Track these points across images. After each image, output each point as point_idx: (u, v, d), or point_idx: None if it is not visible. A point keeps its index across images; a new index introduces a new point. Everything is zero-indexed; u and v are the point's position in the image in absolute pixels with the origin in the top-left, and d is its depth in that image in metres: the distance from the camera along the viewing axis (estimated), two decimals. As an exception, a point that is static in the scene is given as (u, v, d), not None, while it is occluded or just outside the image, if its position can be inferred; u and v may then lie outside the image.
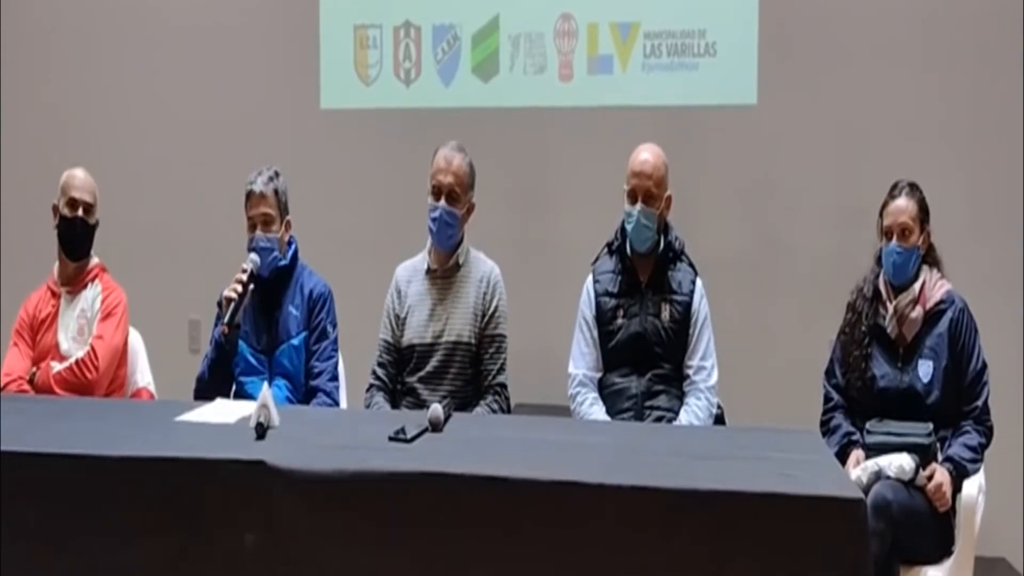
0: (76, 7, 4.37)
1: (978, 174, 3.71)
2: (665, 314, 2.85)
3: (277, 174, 2.95)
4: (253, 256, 2.88)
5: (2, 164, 4.35)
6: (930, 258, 2.78)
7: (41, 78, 4.37)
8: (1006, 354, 3.22)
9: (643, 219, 2.83)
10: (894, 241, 2.71)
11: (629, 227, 2.85)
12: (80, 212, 3.01)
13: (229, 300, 2.81)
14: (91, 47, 4.34)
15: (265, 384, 2.48)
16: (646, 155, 2.86)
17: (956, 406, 2.68)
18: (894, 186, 2.77)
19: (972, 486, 2.59)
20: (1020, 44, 3.62)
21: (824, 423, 2.79)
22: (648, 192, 2.82)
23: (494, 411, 2.88)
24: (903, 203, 2.70)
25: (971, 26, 3.71)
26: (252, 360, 2.92)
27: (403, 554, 1.98)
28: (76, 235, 3.02)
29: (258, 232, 2.90)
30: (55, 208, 3.05)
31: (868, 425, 2.67)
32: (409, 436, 2.20)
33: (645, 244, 2.87)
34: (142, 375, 3.14)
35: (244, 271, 2.84)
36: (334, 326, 2.99)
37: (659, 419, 2.79)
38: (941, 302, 2.72)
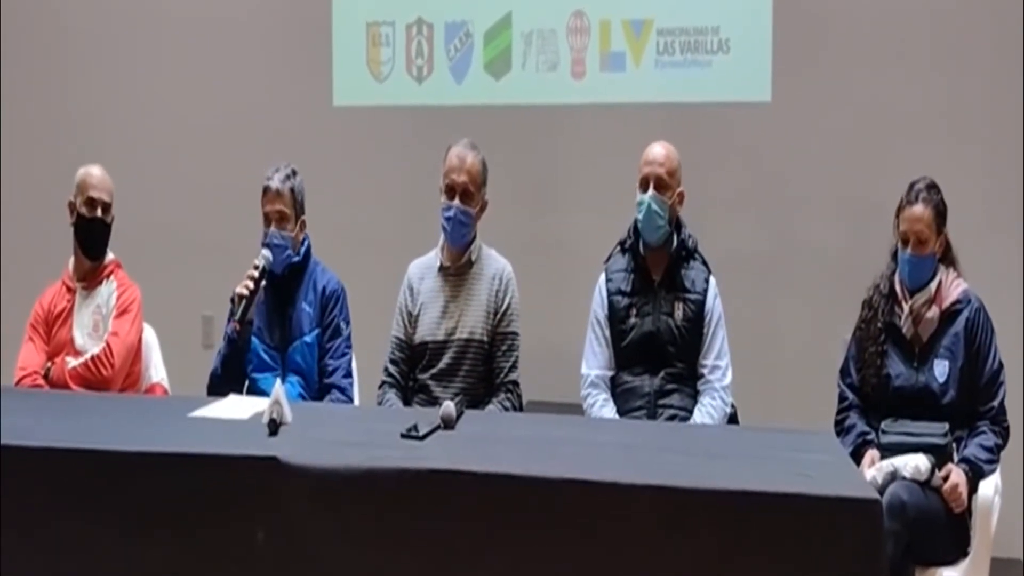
0: (85, 5, 4.38)
1: (993, 171, 3.68)
2: (678, 313, 2.84)
3: (295, 172, 2.96)
4: (265, 252, 2.89)
5: (5, 160, 4.37)
6: (946, 258, 2.75)
7: (51, 75, 4.39)
8: (1020, 352, 3.19)
9: (654, 205, 2.81)
10: (909, 249, 2.68)
11: (640, 215, 2.84)
12: (99, 212, 3.02)
13: (241, 296, 2.82)
14: (102, 45, 4.35)
15: (278, 380, 2.48)
16: (659, 147, 2.87)
17: (972, 406, 2.66)
18: (912, 186, 2.71)
19: (988, 487, 2.57)
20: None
21: (839, 423, 2.77)
22: (659, 179, 2.82)
23: (506, 409, 2.87)
24: (919, 211, 2.66)
25: (985, 23, 3.67)
26: (265, 356, 2.93)
27: (414, 551, 1.98)
28: (95, 235, 3.04)
29: (272, 228, 2.91)
30: (71, 205, 3.06)
31: (883, 425, 2.65)
32: (421, 433, 2.20)
33: (656, 234, 2.85)
34: (156, 371, 3.15)
35: (256, 267, 2.85)
36: (347, 323, 3.00)
37: (672, 418, 2.78)
38: (957, 302, 2.70)
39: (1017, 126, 3.62)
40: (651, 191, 2.81)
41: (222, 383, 2.87)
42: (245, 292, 2.81)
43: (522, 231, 3.83)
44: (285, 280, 2.95)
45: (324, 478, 1.99)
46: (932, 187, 2.71)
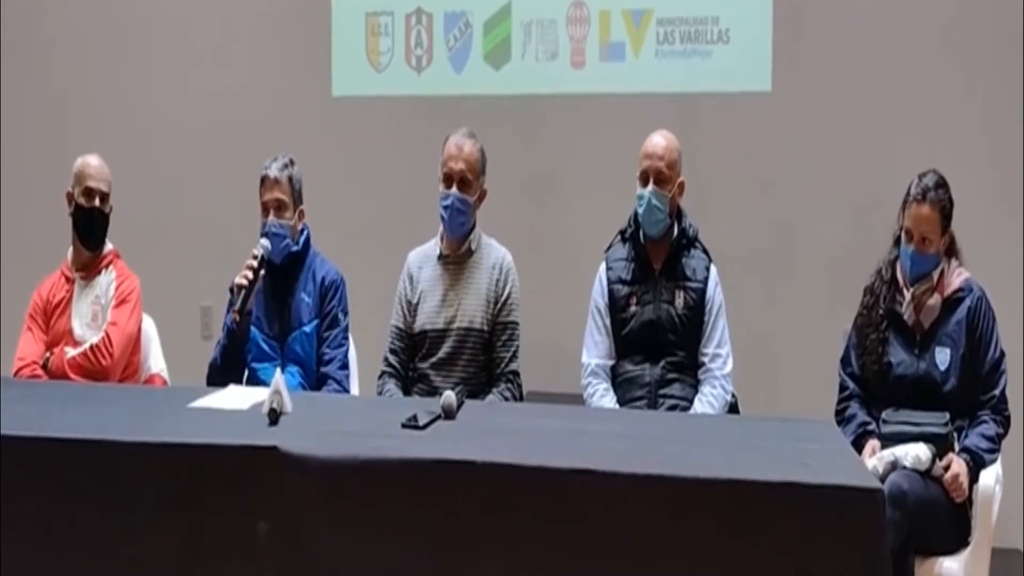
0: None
1: (994, 163, 3.67)
2: (679, 301, 2.83)
3: (292, 162, 2.96)
4: (264, 241, 2.88)
5: (5, 150, 4.35)
6: (950, 251, 2.74)
7: (50, 65, 4.37)
8: (1020, 343, 3.19)
9: (654, 200, 2.81)
10: (913, 246, 2.67)
11: (640, 209, 2.84)
12: (97, 202, 3.01)
13: (240, 287, 2.81)
14: (100, 35, 4.33)
15: (278, 370, 2.48)
16: (658, 138, 2.86)
17: (973, 395, 2.65)
18: (921, 179, 2.66)
19: (989, 477, 2.57)
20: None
21: (839, 412, 2.77)
22: (659, 173, 2.81)
23: (506, 399, 2.87)
24: (926, 212, 2.63)
25: (988, 15, 3.66)
26: (264, 346, 2.92)
27: (415, 541, 1.97)
28: (93, 225, 3.03)
29: (271, 217, 2.90)
30: (70, 196, 3.05)
31: (884, 415, 2.64)
32: (422, 423, 2.20)
33: (656, 227, 2.85)
34: (155, 361, 3.14)
35: (255, 257, 2.84)
36: (345, 314, 3.00)
37: (673, 407, 2.77)
38: (959, 290, 2.69)
39: (1017, 118, 3.61)
40: (651, 186, 2.81)
41: (222, 373, 2.86)
42: (244, 282, 2.81)
43: (522, 221, 3.82)
44: (284, 270, 2.95)
45: (325, 468, 1.99)
46: (940, 185, 2.66)
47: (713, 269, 2.88)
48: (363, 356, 3.14)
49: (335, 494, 1.99)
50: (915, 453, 2.51)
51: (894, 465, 2.51)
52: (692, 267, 2.86)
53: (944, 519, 2.52)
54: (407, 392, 2.93)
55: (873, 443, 2.64)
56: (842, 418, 2.75)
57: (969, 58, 3.69)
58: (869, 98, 3.77)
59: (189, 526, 2.03)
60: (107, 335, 2.96)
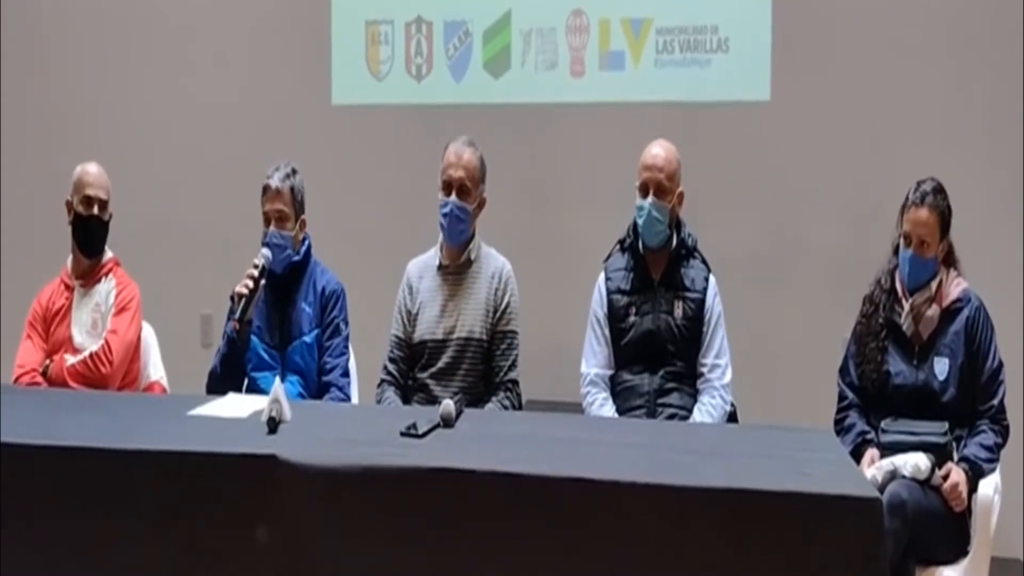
0: (83, 3, 4.37)
1: (993, 170, 3.68)
2: (678, 311, 2.84)
3: (295, 172, 2.96)
4: (265, 251, 2.89)
5: (4, 157, 4.36)
6: (948, 260, 2.75)
7: (50, 73, 4.39)
8: (1020, 352, 3.19)
9: (654, 212, 2.82)
10: (912, 250, 2.68)
11: (640, 220, 2.85)
12: (95, 210, 3.02)
13: (240, 295, 2.82)
14: (100, 43, 4.35)
15: (277, 379, 2.48)
16: (658, 149, 2.87)
17: (972, 405, 2.66)
18: (919, 186, 2.69)
19: (988, 486, 2.57)
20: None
21: (838, 422, 2.77)
22: (659, 185, 2.82)
23: (505, 407, 2.87)
24: (924, 215, 2.65)
25: (986, 22, 3.68)
26: (265, 356, 2.93)
27: (414, 549, 1.97)
28: (92, 233, 3.03)
29: (272, 228, 2.91)
30: (69, 204, 3.05)
31: (883, 424, 2.64)
32: (420, 432, 2.20)
33: (656, 238, 2.86)
34: (155, 369, 3.14)
35: (256, 266, 2.84)
36: (346, 324, 3.00)
37: (672, 416, 2.78)
38: (958, 300, 2.69)
39: (1017, 125, 3.62)
40: (651, 197, 2.82)
41: (221, 381, 2.86)
42: (245, 291, 2.81)
43: (521, 230, 3.83)
44: (285, 280, 2.95)
45: (323, 476, 1.99)
46: (939, 191, 2.69)
47: (712, 279, 2.89)
48: (362, 364, 3.14)
49: (334, 502, 1.99)
50: (914, 462, 2.51)
51: (893, 474, 2.51)
52: (691, 277, 2.87)
53: (943, 528, 2.52)
54: (406, 401, 2.93)
55: (872, 452, 2.64)
56: (841, 427, 2.75)
57: (967, 68, 3.70)
58: (867, 107, 3.78)
59: (188, 533, 2.03)
60: (107, 343, 2.96)
